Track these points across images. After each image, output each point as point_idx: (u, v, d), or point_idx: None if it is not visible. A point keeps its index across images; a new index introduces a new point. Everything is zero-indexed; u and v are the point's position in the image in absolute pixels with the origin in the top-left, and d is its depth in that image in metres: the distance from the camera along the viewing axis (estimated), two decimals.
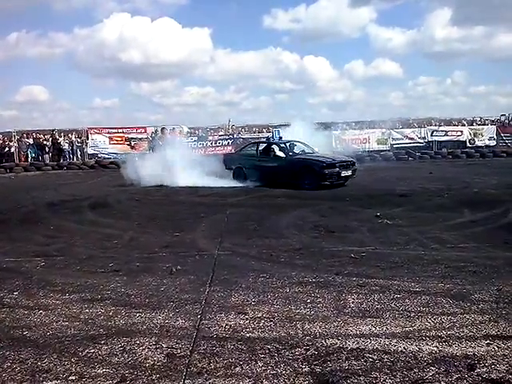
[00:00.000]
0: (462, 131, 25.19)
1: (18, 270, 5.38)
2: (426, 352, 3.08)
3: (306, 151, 13.70)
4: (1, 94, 63.03)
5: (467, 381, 2.72)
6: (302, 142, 14.14)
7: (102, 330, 3.63)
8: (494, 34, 53.19)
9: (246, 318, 3.76)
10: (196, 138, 24.90)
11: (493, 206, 8.56)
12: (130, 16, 63.84)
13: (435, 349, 3.13)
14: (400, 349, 3.15)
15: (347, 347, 3.19)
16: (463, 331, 3.40)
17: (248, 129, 27.74)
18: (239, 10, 60.26)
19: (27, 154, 24.10)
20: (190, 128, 26.98)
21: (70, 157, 24.76)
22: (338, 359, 3.02)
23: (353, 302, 4.05)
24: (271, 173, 12.99)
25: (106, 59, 55.05)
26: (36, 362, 3.10)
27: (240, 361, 3.04)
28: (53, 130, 25.25)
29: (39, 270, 5.38)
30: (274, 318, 3.75)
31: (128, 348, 3.28)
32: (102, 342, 3.39)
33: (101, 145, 24.74)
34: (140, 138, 25.16)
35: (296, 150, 13.72)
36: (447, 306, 3.92)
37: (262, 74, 58.19)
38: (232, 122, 27.68)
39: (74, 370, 2.98)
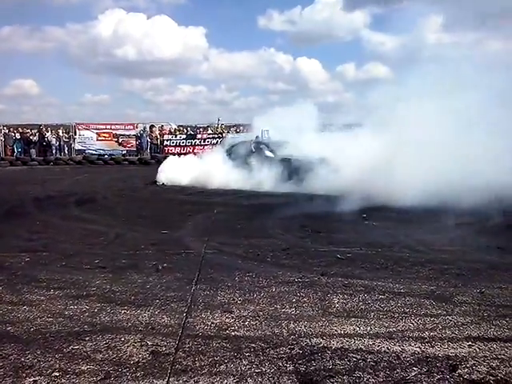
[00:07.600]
0: None
1: (2, 265, 5.31)
2: (408, 352, 3.12)
3: (293, 151, 13.70)
4: None
5: (449, 381, 2.76)
6: (289, 142, 14.14)
7: (86, 326, 3.61)
8: (483, 41, 53.72)
9: (232, 317, 3.77)
10: (185, 136, 24.87)
11: (476, 210, 8.62)
12: (126, 13, 63.34)
13: (418, 349, 3.16)
14: (383, 349, 3.18)
15: (331, 347, 3.22)
16: (446, 332, 3.45)
17: (237, 128, 27.73)
18: (235, 10, 60.34)
19: (13, 149, 23.88)
20: (179, 126, 26.94)
21: (57, 152, 24.59)
22: (322, 358, 3.04)
23: (338, 302, 4.08)
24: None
25: (100, 55, 54.80)
26: (19, 358, 3.07)
27: (225, 359, 3.05)
28: (40, 125, 25.04)
29: (24, 266, 5.33)
30: (259, 317, 3.76)
31: (112, 345, 3.27)
32: (87, 338, 3.38)
33: (88, 141, 24.62)
34: (128, 135, 25.07)
35: (283, 150, 13.73)
36: (430, 307, 3.97)
37: (255, 74, 58.38)
38: (221, 121, 27.69)
39: (57, 366, 2.97)
